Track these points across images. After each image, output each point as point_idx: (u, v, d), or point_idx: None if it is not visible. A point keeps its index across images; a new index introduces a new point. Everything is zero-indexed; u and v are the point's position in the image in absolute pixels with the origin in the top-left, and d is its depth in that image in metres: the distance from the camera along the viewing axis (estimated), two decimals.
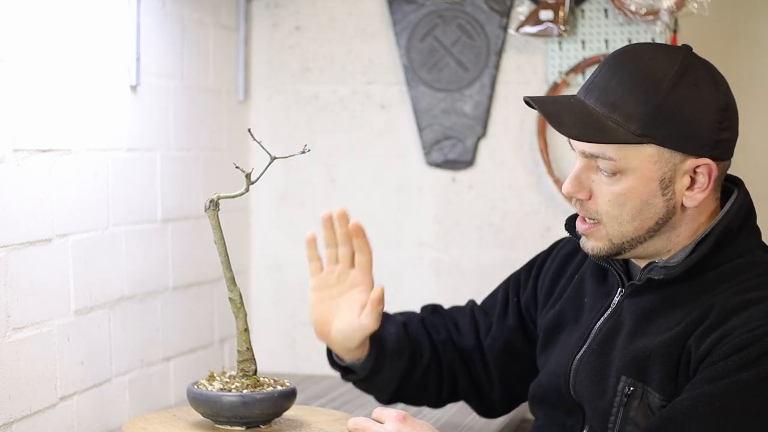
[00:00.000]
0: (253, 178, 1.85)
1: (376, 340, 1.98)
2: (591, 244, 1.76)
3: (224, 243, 1.87)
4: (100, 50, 2.20)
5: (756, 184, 1.94)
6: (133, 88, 2.33)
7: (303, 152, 1.88)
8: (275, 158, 1.86)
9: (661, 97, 1.66)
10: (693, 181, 1.69)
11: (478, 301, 2.12)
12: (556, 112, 1.70)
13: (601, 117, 1.68)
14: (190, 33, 2.59)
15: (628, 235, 1.71)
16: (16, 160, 1.93)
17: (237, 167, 1.86)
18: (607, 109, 1.68)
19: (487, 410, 2.12)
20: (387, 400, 2.07)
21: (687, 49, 1.72)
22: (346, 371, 2.03)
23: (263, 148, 1.87)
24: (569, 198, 1.75)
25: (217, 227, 1.86)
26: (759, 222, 1.77)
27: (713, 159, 1.68)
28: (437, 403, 2.12)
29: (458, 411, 2.43)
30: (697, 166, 1.68)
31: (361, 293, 1.95)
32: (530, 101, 1.72)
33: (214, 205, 1.86)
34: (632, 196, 1.69)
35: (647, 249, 1.74)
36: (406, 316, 2.09)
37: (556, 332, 1.91)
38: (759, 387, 1.58)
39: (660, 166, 1.68)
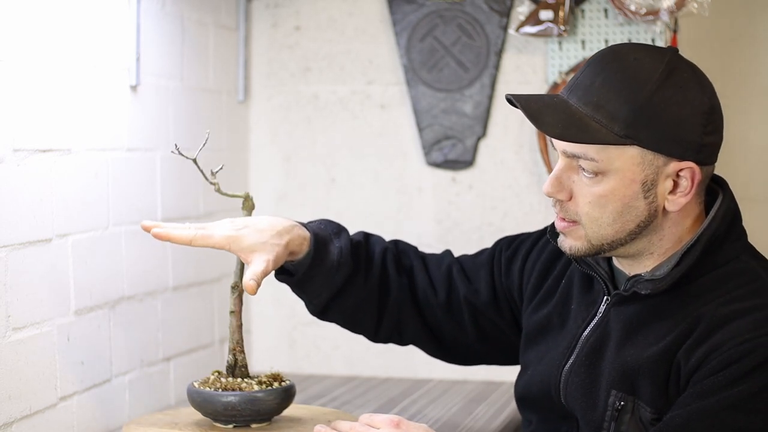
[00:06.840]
0: None
1: (317, 247, 1.96)
2: (569, 243, 1.73)
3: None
4: (100, 50, 2.20)
5: (755, 184, 1.94)
6: (133, 88, 2.33)
7: (172, 152, 1.95)
8: None
9: (645, 98, 1.64)
10: (676, 184, 1.67)
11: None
12: (537, 110, 1.68)
13: (584, 117, 1.66)
14: (190, 33, 2.59)
15: (608, 238, 1.70)
16: (16, 160, 1.93)
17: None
18: (590, 108, 1.66)
19: (446, 354, 2.11)
20: (318, 312, 2.05)
21: (673, 50, 1.70)
22: (280, 270, 2.01)
23: None
24: (550, 197, 1.73)
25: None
26: (759, 224, 1.76)
27: (697, 163, 1.66)
28: (374, 337, 2.09)
29: (458, 411, 2.43)
30: (681, 170, 1.66)
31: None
32: (512, 99, 1.69)
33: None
34: (613, 198, 1.67)
35: (628, 250, 1.73)
36: (367, 240, 2.06)
37: (540, 335, 1.90)
38: (751, 402, 1.57)
39: (642, 168, 1.66)
